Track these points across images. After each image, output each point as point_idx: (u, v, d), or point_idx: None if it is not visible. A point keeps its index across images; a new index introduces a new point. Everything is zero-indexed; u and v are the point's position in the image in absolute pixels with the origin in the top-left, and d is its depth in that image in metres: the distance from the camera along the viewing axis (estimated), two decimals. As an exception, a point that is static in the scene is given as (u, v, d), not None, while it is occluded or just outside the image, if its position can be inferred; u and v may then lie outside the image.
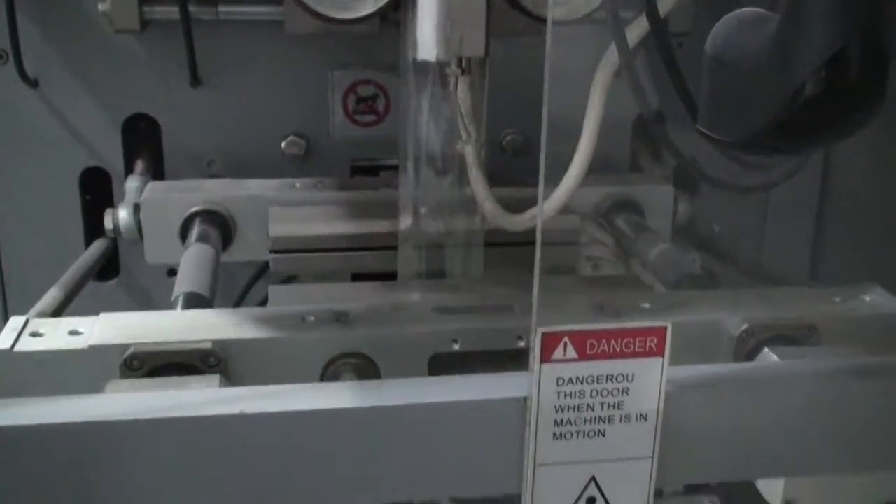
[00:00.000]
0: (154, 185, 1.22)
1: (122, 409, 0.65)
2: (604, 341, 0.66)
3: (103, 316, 0.84)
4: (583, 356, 0.66)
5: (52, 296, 1.01)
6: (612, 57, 0.89)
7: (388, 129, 1.35)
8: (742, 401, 0.72)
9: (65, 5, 1.28)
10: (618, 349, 0.66)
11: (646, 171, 1.38)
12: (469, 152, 0.99)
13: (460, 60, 0.96)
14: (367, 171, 1.37)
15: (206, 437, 0.65)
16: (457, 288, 1.04)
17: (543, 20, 0.63)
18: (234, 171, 1.32)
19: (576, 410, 0.67)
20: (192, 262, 1.05)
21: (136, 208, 1.18)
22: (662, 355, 0.67)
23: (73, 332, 0.81)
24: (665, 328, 0.66)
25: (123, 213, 1.19)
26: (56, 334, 0.81)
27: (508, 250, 1.09)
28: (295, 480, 0.67)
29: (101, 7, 1.23)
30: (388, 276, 1.11)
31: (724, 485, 0.97)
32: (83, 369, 0.78)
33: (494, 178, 1.04)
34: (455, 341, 0.85)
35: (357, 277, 1.15)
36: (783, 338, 0.86)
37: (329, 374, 0.82)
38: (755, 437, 0.73)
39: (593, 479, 0.69)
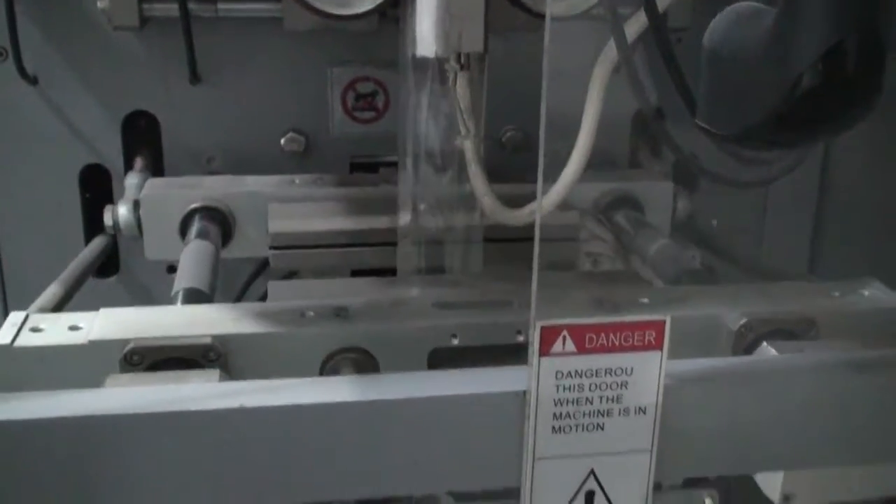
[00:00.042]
0: (154, 182, 1.23)
1: (122, 404, 0.65)
2: (602, 335, 0.66)
3: (103, 311, 0.84)
4: (581, 350, 0.66)
5: (51, 292, 1.01)
6: (610, 52, 0.89)
7: (387, 125, 1.35)
8: (741, 395, 0.72)
9: (64, 3, 1.28)
10: (616, 343, 0.66)
11: (645, 167, 1.38)
12: (468, 148, 0.99)
13: (459, 56, 0.96)
14: (367, 167, 1.37)
15: (205, 430, 0.65)
16: (456, 283, 1.05)
17: (542, 16, 0.64)
18: (234, 167, 1.32)
19: (575, 404, 0.67)
20: (192, 259, 1.05)
21: (136, 205, 1.18)
22: (661, 349, 0.67)
23: (73, 328, 0.81)
24: (664, 322, 0.66)
25: (123, 210, 1.19)
26: (56, 329, 0.81)
27: (507, 246, 1.09)
28: (294, 474, 0.67)
29: (100, 4, 1.23)
30: (388, 272, 1.12)
31: (723, 479, 0.97)
32: (83, 364, 0.79)
33: (494, 174, 1.04)
34: (454, 336, 0.85)
35: (356, 273, 1.15)
36: (782, 332, 0.86)
37: (328, 368, 0.82)
38: (754, 431, 0.73)
39: (592, 472, 0.69)
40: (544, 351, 0.65)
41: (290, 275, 1.17)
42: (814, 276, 1.35)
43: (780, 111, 0.60)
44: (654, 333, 0.67)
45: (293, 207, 1.17)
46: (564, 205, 1.12)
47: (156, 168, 1.33)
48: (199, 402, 0.65)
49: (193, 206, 1.17)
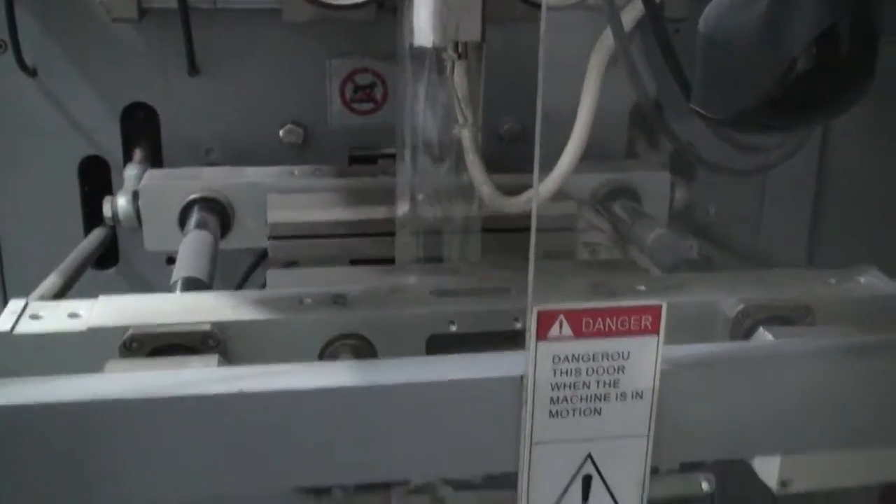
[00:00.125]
0: (153, 173, 1.23)
1: (121, 389, 0.66)
2: (599, 320, 0.66)
3: (102, 298, 0.84)
4: (578, 334, 0.66)
5: (51, 282, 1.01)
6: (607, 40, 0.89)
7: (385, 117, 1.36)
8: (737, 380, 0.72)
9: None
10: (613, 328, 0.67)
11: (642, 157, 1.38)
12: (466, 136, 1.00)
13: (456, 45, 0.97)
14: (366, 160, 1.37)
15: (204, 415, 0.65)
16: (454, 271, 1.05)
17: (539, 6, 0.64)
18: (233, 159, 1.32)
19: (572, 388, 0.68)
20: (191, 249, 1.05)
21: (135, 196, 1.19)
22: (657, 334, 0.67)
23: (73, 315, 0.81)
24: (660, 307, 0.67)
25: (122, 201, 1.19)
26: (55, 317, 0.81)
27: (505, 236, 1.10)
28: (293, 459, 0.68)
29: (98, -4, 1.24)
30: (387, 262, 1.12)
31: (720, 463, 0.97)
32: (82, 351, 0.79)
33: (492, 166, 1.04)
34: (452, 323, 0.85)
35: (355, 263, 1.15)
36: (778, 318, 0.87)
37: (327, 355, 0.83)
38: (750, 416, 0.73)
39: (589, 456, 0.70)
40: (541, 336, 0.66)
41: (289, 265, 1.17)
42: (812, 265, 1.36)
43: (775, 95, 0.60)
44: (650, 318, 0.67)
45: (292, 198, 1.17)
46: (562, 195, 1.12)
47: (155, 160, 1.33)
48: (199, 386, 0.66)
49: (192, 196, 1.17)
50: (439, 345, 0.85)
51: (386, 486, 0.94)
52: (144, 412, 0.65)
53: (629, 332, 0.67)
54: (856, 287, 0.92)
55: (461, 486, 1.04)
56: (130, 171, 1.26)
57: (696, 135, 0.85)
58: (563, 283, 0.91)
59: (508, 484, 0.71)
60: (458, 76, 0.97)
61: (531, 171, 0.64)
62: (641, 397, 0.69)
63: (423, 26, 0.96)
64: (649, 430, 0.70)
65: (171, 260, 1.23)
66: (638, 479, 0.71)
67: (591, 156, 0.96)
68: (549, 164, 0.94)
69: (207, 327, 0.80)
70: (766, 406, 0.73)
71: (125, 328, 0.79)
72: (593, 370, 0.67)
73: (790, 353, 0.78)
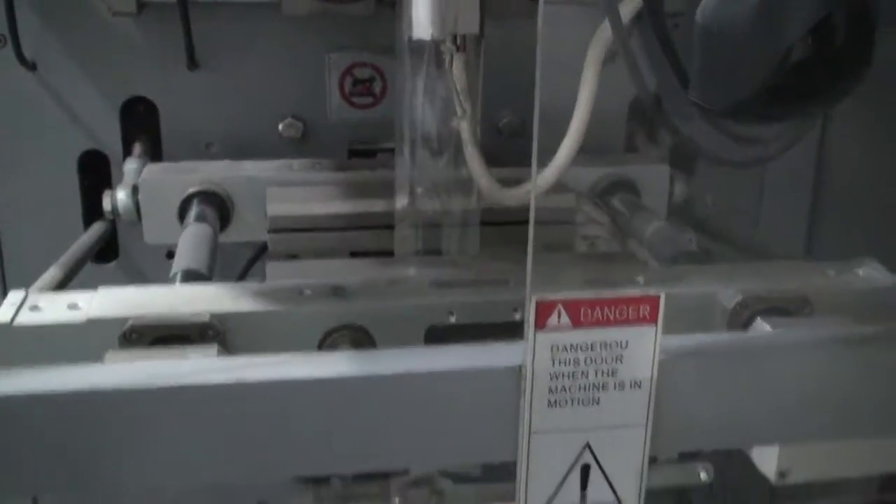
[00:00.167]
0: (152, 167, 1.23)
1: (120, 378, 0.66)
2: (597, 309, 0.66)
3: (102, 290, 0.84)
4: (577, 324, 0.66)
5: (50, 275, 1.01)
6: (604, 33, 0.89)
7: (384, 111, 1.36)
8: (735, 369, 0.72)
9: None
10: (611, 317, 0.67)
11: (642, 151, 1.38)
12: (464, 128, 1.00)
13: (455, 38, 0.97)
14: (365, 155, 1.37)
15: (203, 405, 0.65)
16: (453, 263, 1.05)
17: (536, 0, 0.64)
18: (232, 153, 1.32)
19: (570, 378, 0.68)
20: (191, 241, 1.05)
21: (135, 189, 1.19)
22: (656, 323, 0.67)
23: (72, 306, 0.82)
24: (658, 297, 0.67)
25: (122, 195, 1.19)
26: (55, 308, 0.81)
27: (504, 229, 1.10)
28: (291, 448, 0.68)
29: (98, -10, 1.24)
30: (386, 255, 1.12)
31: (719, 453, 0.97)
32: (82, 342, 0.79)
33: (491, 159, 1.04)
34: (451, 314, 0.85)
35: (355, 256, 1.15)
36: (777, 310, 0.87)
37: (326, 346, 0.83)
38: (748, 406, 0.73)
39: (588, 446, 0.70)
40: (540, 325, 0.66)
41: (289, 258, 1.17)
42: (810, 258, 1.36)
43: (771, 84, 0.60)
44: (648, 308, 0.67)
45: (291, 191, 1.17)
46: (561, 188, 1.12)
47: (154, 154, 1.33)
48: (198, 376, 0.66)
49: (192, 190, 1.18)
50: (438, 336, 0.85)
51: (384, 476, 0.95)
52: (143, 402, 0.65)
53: (627, 322, 0.67)
54: (854, 279, 0.92)
55: (460, 479, 1.05)
56: (130, 166, 1.26)
57: (695, 131, 0.85)
58: (562, 275, 0.91)
59: (507, 476, 0.71)
60: (457, 68, 0.97)
61: (530, 165, 0.64)
62: (640, 387, 0.69)
63: (421, 19, 0.96)
64: (647, 419, 0.70)
65: (170, 254, 1.22)
66: (636, 469, 0.71)
67: (591, 150, 0.96)
68: (547, 159, 0.95)
69: (207, 318, 0.80)
70: (764, 396, 0.73)
71: (125, 319, 0.79)
72: (592, 360, 0.68)
73: (788, 343, 0.78)
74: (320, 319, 0.83)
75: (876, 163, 1.37)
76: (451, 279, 0.90)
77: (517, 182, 1.02)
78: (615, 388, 0.69)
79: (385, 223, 1.11)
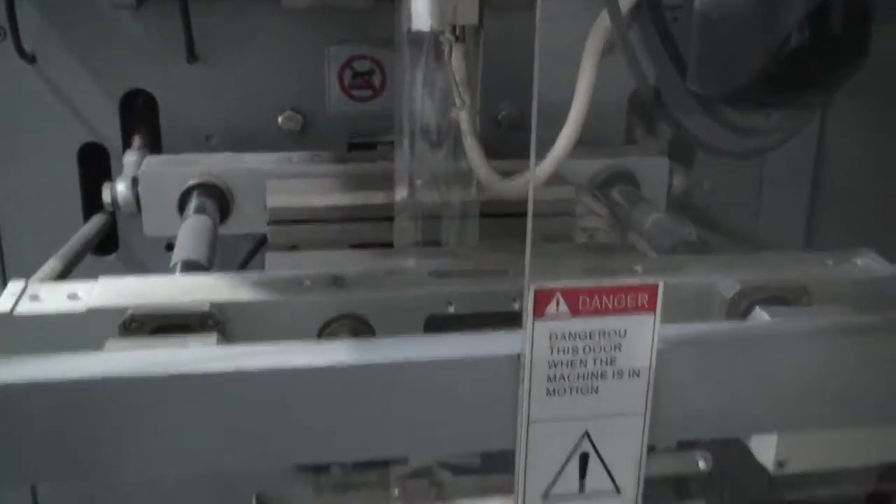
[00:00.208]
0: (152, 159, 1.23)
1: (120, 366, 0.66)
2: (596, 297, 0.67)
3: (102, 280, 0.85)
4: (575, 312, 0.67)
5: (50, 266, 1.01)
6: (603, 21, 0.89)
7: (384, 104, 1.36)
8: (734, 358, 0.73)
9: None
10: (610, 305, 0.67)
11: (641, 144, 1.38)
12: (464, 118, 1.00)
13: (454, 28, 0.97)
14: (364, 148, 1.37)
15: (203, 393, 0.66)
16: (453, 255, 1.05)
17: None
18: (232, 146, 1.32)
19: (569, 366, 0.68)
20: (190, 232, 1.05)
21: (135, 181, 1.19)
22: (654, 312, 0.68)
23: (72, 296, 0.82)
24: (656, 285, 0.67)
25: (121, 187, 1.19)
26: (55, 298, 0.82)
27: (503, 221, 1.10)
28: (291, 436, 0.68)
29: (98, -17, 1.24)
30: (385, 247, 1.12)
31: (718, 444, 0.98)
32: (82, 332, 0.79)
33: (490, 152, 1.04)
34: (450, 303, 0.86)
35: (354, 248, 1.15)
36: (775, 299, 0.87)
37: (325, 336, 0.83)
38: (746, 395, 0.73)
39: (586, 434, 0.70)
40: (538, 313, 0.66)
41: (289, 250, 1.17)
42: (809, 250, 1.36)
43: (768, 71, 0.60)
44: (646, 296, 0.67)
45: (291, 183, 1.17)
46: (560, 179, 1.13)
47: (154, 147, 1.33)
48: (197, 364, 0.66)
49: (191, 182, 1.18)
50: (437, 325, 0.85)
51: (384, 465, 0.95)
52: (143, 390, 0.65)
53: (626, 310, 0.67)
54: (852, 269, 0.93)
55: (459, 470, 1.05)
56: (130, 157, 1.26)
57: (694, 121, 0.85)
58: (561, 264, 0.91)
59: (506, 468, 0.71)
60: (456, 59, 0.97)
61: (529, 157, 0.64)
62: (638, 376, 0.69)
63: (420, 11, 0.96)
64: (646, 408, 0.70)
65: (170, 246, 1.23)
66: (635, 457, 0.71)
67: (590, 142, 0.96)
68: (546, 151, 0.95)
69: (206, 307, 0.80)
70: (762, 385, 0.73)
71: (124, 309, 0.80)
72: (590, 348, 0.68)
73: (787, 332, 0.78)
74: (319, 309, 0.83)
75: (875, 157, 1.37)
76: (450, 269, 0.90)
77: (516, 174, 1.02)
78: (614, 376, 0.69)
79: (384, 215, 1.11)
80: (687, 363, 0.71)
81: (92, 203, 1.31)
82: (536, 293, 0.65)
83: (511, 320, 0.83)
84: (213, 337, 0.76)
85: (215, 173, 1.19)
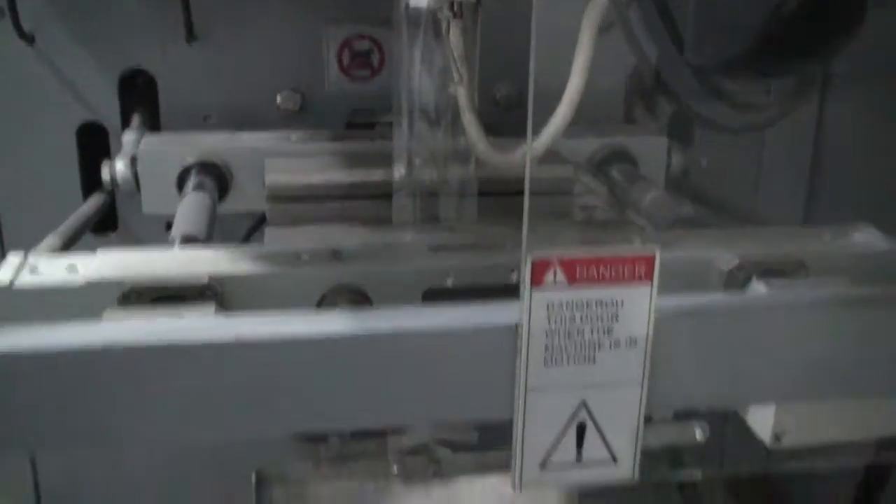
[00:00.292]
0: (150, 138, 1.23)
1: (118, 335, 0.66)
2: (593, 267, 0.67)
3: (101, 252, 0.85)
4: (573, 282, 0.67)
5: (48, 243, 1.01)
6: (600, -2, 0.89)
7: (382, 83, 1.36)
8: (731, 328, 0.73)
9: None
10: (607, 275, 0.67)
11: (640, 123, 1.38)
12: (462, 94, 1.00)
13: (452, 4, 0.97)
14: (363, 128, 1.37)
15: (201, 361, 0.66)
16: (451, 230, 1.05)
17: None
18: (231, 125, 1.32)
19: (566, 336, 0.68)
20: (189, 208, 1.05)
21: (133, 160, 1.19)
22: (651, 282, 0.68)
23: (71, 269, 0.82)
24: (653, 255, 0.67)
25: (120, 165, 1.19)
26: (54, 270, 0.82)
27: (502, 200, 1.10)
28: (289, 405, 0.68)
29: (96, -38, 1.24)
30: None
31: (714, 416, 0.98)
32: (81, 304, 0.79)
33: (488, 130, 1.04)
34: (448, 276, 0.86)
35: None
36: (773, 273, 0.87)
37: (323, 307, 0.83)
38: (743, 365, 0.73)
39: (584, 403, 0.70)
40: (536, 283, 0.66)
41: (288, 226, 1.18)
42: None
43: (765, 37, 0.60)
44: (644, 266, 0.67)
45: (290, 161, 1.17)
46: (558, 158, 1.13)
47: (153, 126, 1.33)
48: (196, 332, 0.66)
49: (190, 160, 1.18)
50: (435, 298, 0.85)
51: (381, 434, 0.95)
52: (141, 358, 0.65)
53: (623, 280, 0.67)
54: (850, 243, 0.93)
55: (457, 447, 1.05)
56: (129, 136, 1.26)
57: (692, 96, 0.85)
58: (558, 236, 0.91)
59: (504, 444, 0.71)
60: (454, 35, 0.97)
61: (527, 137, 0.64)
62: (635, 345, 0.69)
63: (418, -13, 0.96)
64: (643, 377, 0.70)
65: (169, 225, 1.23)
66: (632, 427, 0.72)
67: (589, 121, 0.96)
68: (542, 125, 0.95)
69: (205, 280, 0.80)
70: (759, 356, 0.73)
71: (123, 281, 0.80)
72: (587, 318, 0.68)
73: (784, 303, 0.78)
74: (318, 281, 0.83)
75: (873, 135, 1.37)
76: (448, 243, 0.90)
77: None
78: (611, 346, 0.69)
79: (383, 192, 1.11)
80: (684, 333, 0.71)
81: (91, 182, 1.31)
82: (534, 263, 0.65)
83: (509, 293, 0.83)
84: (212, 307, 0.76)
85: (214, 152, 1.19)
